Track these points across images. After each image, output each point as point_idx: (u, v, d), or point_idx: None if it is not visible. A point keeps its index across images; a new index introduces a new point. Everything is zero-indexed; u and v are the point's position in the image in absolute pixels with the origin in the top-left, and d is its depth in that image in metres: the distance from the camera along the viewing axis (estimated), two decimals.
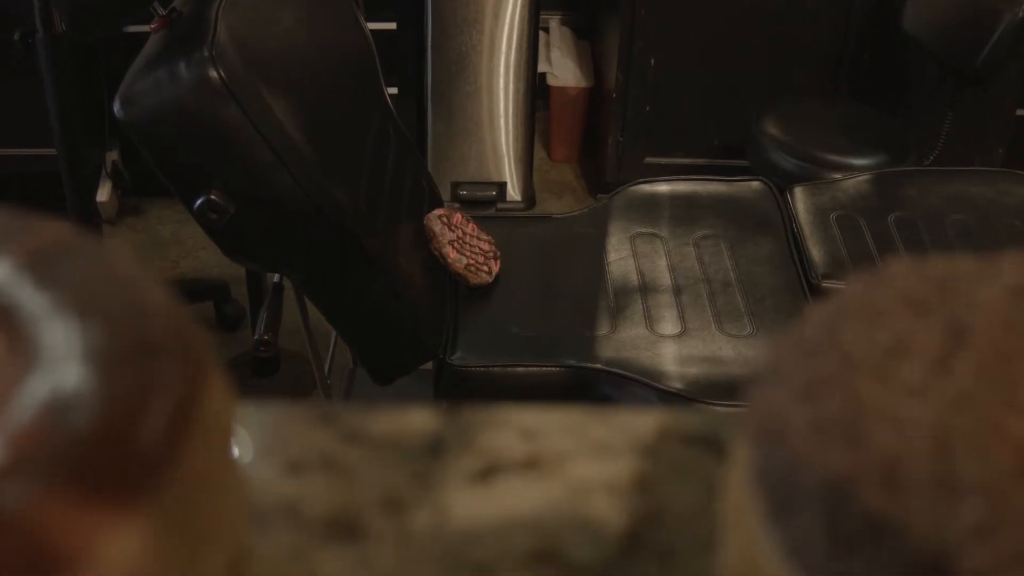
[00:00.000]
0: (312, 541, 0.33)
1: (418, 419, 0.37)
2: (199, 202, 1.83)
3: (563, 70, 4.08)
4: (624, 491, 0.35)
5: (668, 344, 2.22)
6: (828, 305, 0.32)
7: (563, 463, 0.36)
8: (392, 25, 3.70)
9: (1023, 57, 3.37)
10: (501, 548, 0.33)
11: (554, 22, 4.26)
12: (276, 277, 2.27)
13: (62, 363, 0.29)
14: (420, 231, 2.32)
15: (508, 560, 0.33)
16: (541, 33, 3.89)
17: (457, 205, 3.66)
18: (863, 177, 2.72)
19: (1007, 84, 3.55)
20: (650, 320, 2.28)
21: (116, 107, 1.80)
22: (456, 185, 3.84)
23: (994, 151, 3.72)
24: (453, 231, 2.35)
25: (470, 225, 2.40)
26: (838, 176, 2.80)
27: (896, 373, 0.30)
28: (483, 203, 3.85)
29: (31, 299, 0.31)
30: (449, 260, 2.30)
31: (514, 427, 0.37)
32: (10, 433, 0.27)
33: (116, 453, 0.27)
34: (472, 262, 2.33)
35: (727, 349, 2.20)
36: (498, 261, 2.39)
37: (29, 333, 0.30)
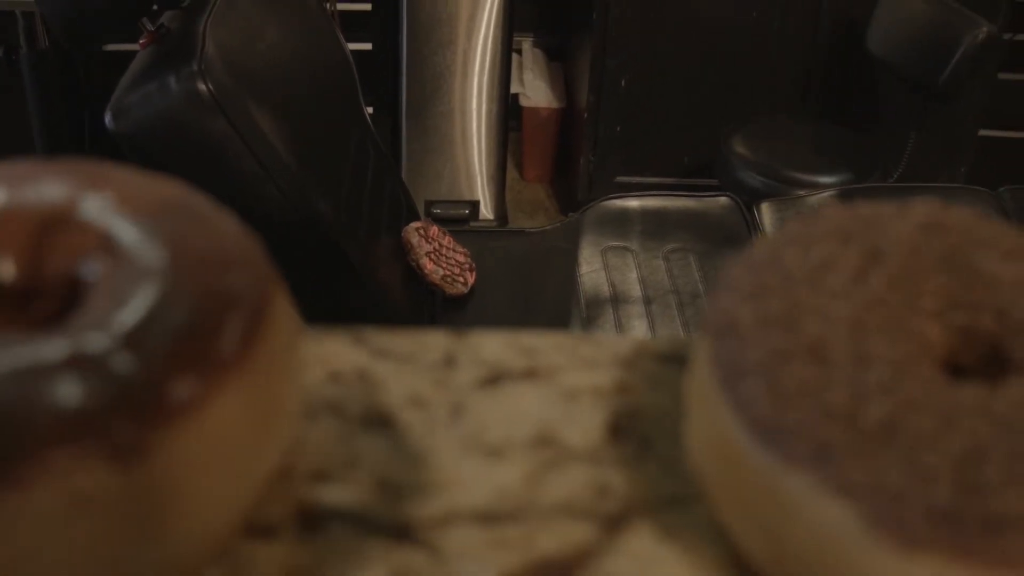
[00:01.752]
0: (352, 429, 0.41)
1: (435, 339, 0.45)
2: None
3: (535, 91, 4.14)
4: (608, 394, 0.43)
5: None
6: (773, 235, 0.40)
7: (557, 373, 0.44)
8: (368, 45, 3.76)
9: (986, 78, 3.46)
10: (507, 434, 0.41)
11: (527, 44, 4.32)
12: None
13: (159, 275, 0.36)
14: (398, 244, 2.39)
15: (513, 443, 0.41)
16: (514, 55, 3.96)
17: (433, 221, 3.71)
18: (828, 193, 2.80)
19: (971, 104, 3.64)
20: (621, 329, 2.35)
21: (107, 118, 1.86)
22: (430, 203, 3.89)
23: (957, 169, 3.81)
24: (430, 243, 2.41)
25: (446, 238, 2.47)
26: (803, 193, 2.88)
27: (823, 282, 0.37)
28: (456, 221, 3.89)
29: (127, 229, 0.38)
30: (426, 271, 2.37)
31: (515, 345, 0.45)
32: (124, 324, 0.35)
33: (207, 337, 0.35)
34: (448, 273, 2.40)
35: None
36: (474, 273, 2.45)
37: (128, 255, 0.37)
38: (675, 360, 0.45)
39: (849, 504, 0.32)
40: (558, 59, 4.31)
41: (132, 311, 0.35)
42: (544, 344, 0.45)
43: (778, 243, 0.39)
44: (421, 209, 3.81)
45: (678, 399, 0.42)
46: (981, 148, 3.83)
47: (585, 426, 0.41)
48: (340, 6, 3.42)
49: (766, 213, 2.71)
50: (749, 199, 2.80)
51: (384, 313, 2.21)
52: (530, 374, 0.43)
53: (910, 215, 0.40)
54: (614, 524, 0.38)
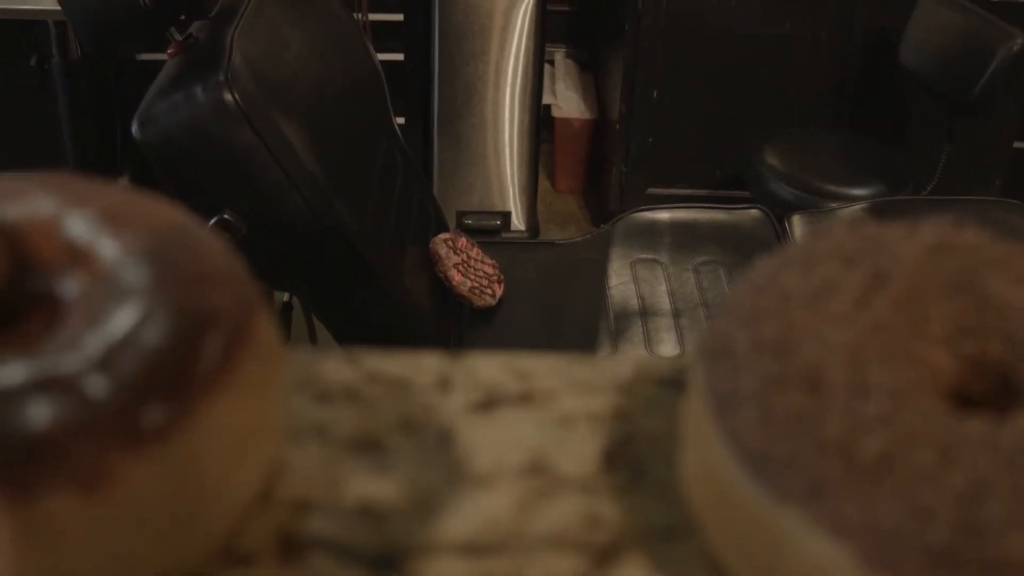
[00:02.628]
0: (339, 454, 0.40)
1: (430, 361, 0.44)
2: (212, 221, 1.89)
3: (567, 102, 4.14)
4: (604, 420, 0.41)
5: None
6: (775, 256, 0.39)
7: (552, 398, 0.42)
8: (399, 56, 3.76)
9: (1020, 90, 3.43)
10: (498, 461, 0.40)
11: (559, 55, 4.32)
12: (285, 296, 2.32)
13: (136, 292, 0.35)
14: (426, 255, 2.38)
15: (504, 471, 0.39)
16: (546, 66, 3.95)
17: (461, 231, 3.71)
18: (861, 206, 2.77)
19: (1005, 116, 3.61)
20: (649, 343, 2.33)
21: (134, 128, 1.86)
22: (461, 214, 3.89)
23: (992, 182, 3.78)
24: (458, 254, 2.40)
25: (475, 249, 2.46)
26: (836, 205, 2.85)
27: (824, 306, 0.36)
28: (488, 232, 3.89)
29: (108, 246, 0.37)
30: (454, 283, 2.36)
31: (510, 368, 0.44)
32: (101, 345, 0.33)
33: (184, 360, 0.34)
34: (476, 285, 2.39)
35: None
36: (502, 284, 2.45)
37: (108, 272, 0.36)
38: (675, 384, 0.43)
39: (843, 543, 0.30)
40: (590, 70, 4.31)
41: (108, 332, 0.34)
42: (541, 367, 0.43)
43: (779, 264, 0.38)
44: (452, 220, 3.81)
45: (674, 423, 0.41)
46: (1015, 160, 3.80)
47: (579, 453, 0.40)
48: (372, 16, 3.43)
49: (797, 226, 2.69)
50: (781, 211, 2.78)
51: (410, 324, 2.21)
52: (525, 398, 0.42)
53: (919, 236, 0.39)
54: (605, 556, 0.36)
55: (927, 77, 3.27)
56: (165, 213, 0.39)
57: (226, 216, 1.89)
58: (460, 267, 2.38)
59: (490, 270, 2.45)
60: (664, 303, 2.45)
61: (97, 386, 0.32)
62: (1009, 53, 2.97)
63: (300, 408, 0.41)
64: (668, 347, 2.32)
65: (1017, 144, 3.78)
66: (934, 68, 3.24)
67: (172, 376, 0.33)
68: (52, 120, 2.97)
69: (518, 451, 0.40)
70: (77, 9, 1.86)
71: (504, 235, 3.92)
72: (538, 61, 3.74)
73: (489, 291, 2.40)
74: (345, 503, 0.38)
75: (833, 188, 3.24)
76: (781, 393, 0.33)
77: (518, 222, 3.94)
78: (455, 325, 2.37)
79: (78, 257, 0.37)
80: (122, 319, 0.34)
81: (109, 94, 3.52)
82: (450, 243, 2.40)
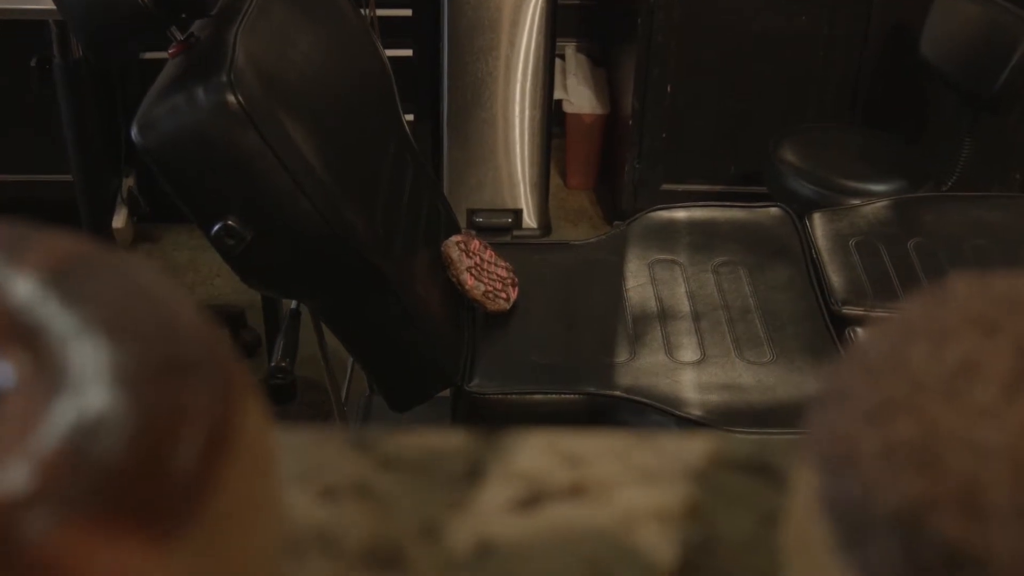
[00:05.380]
0: (349, 572, 0.32)
1: (454, 443, 0.36)
2: (216, 228, 1.82)
3: (579, 97, 4.08)
4: (674, 519, 0.34)
5: (687, 371, 2.20)
6: (890, 325, 0.31)
7: (610, 490, 0.35)
8: (408, 52, 3.70)
9: None
10: None
11: (570, 49, 4.26)
12: (293, 304, 2.26)
13: (90, 385, 0.27)
14: (437, 257, 2.31)
15: None
16: (557, 60, 3.90)
17: (473, 232, 3.65)
18: (882, 203, 2.70)
19: None
20: (669, 347, 2.26)
21: (133, 132, 1.79)
22: (472, 212, 3.84)
23: (1012, 177, 3.71)
24: (471, 258, 2.33)
25: (488, 252, 2.39)
26: (857, 202, 2.78)
27: (967, 395, 0.28)
28: (499, 230, 3.84)
29: (57, 317, 0.29)
30: (467, 287, 2.29)
31: (556, 452, 0.36)
32: (36, 459, 0.26)
33: (148, 481, 0.26)
34: (490, 289, 2.32)
35: (747, 376, 2.18)
36: (516, 288, 2.38)
37: (56, 353, 0.28)
38: (757, 471, 0.35)
39: None
40: (602, 65, 4.25)
41: (49, 441, 0.26)
42: (592, 450, 0.35)
43: (900, 337, 0.30)
44: (463, 218, 3.75)
45: (764, 525, 0.33)
46: None
47: (647, 564, 0.32)
48: (380, 12, 3.36)
49: (818, 224, 2.61)
50: (799, 208, 2.71)
51: (422, 331, 2.14)
52: (576, 491, 0.34)
53: None
54: None
55: (947, 72, 3.21)
56: (131, 273, 0.31)
57: (230, 222, 1.82)
58: (473, 270, 2.31)
59: (504, 273, 2.38)
60: (684, 305, 2.38)
61: (32, 522, 0.24)
62: None
63: (300, 508, 0.33)
64: (688, 352, 2.25)
65: None
66: (954, 62, 3.18)
67: (132, 506, 0.25)
68: (54, 122, 2.90)
69: (571, 564, 0.32)
70: (74, 9, 1.79)
71: (515, 233, 3.86)
72: (549, 56, 3.68)
73: (503, 295, 2.33)
74: None
75: (852, 184, 3.19)
76: (932, 521, 0.25)
77: (529, 219, 3.89)
78: (468, 330, 2.30)
79: (17, 332, 0.29)
80: (65, 422, 0.26)
81: (112, 95, 3.45)
82: (463, 246, 2.33)
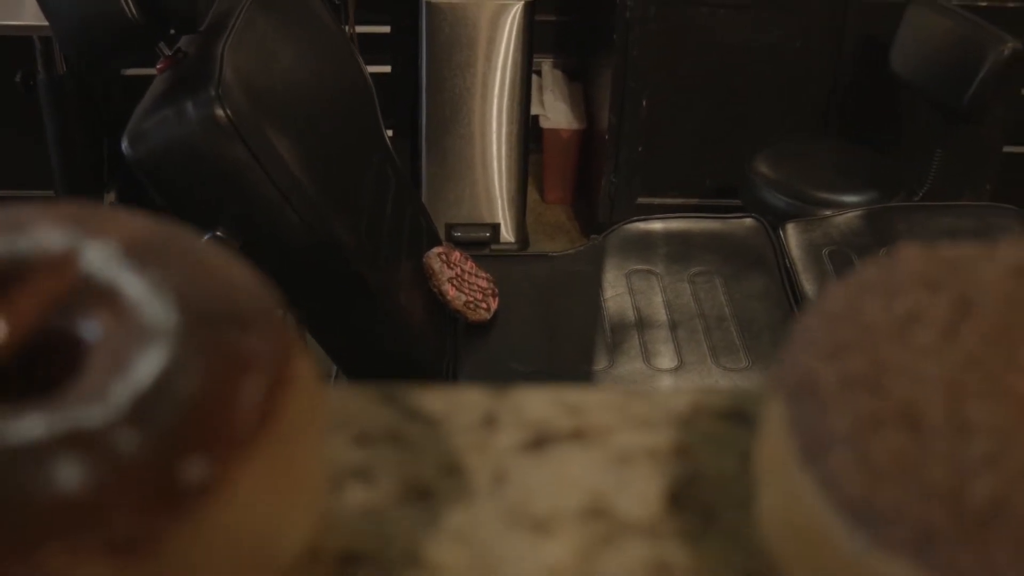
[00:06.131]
0: (384, 501, 0.37)
1: (471, 397, 0.41)
2: (205, 238, 1.86)
3: (556, 112, 4.12)
4: (664, 457, 0.39)
5: (665, 378, 2.25)
6: (848, 283, 0.36)
7: (607, 434, 0.40)
8: (387, 68, 3.74)
9: (1011, 95, 3.42)
10: (555, 505, 0.37)
11: (546, 65, 4.30)
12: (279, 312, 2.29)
13: (165, 335, 0.32)
14: (419, 269, 2.36)
15: (563, 516, 0.37)
16: (534, 76, 3.93)
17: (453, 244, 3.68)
18: (854, 213, 2.76)
19: (995, 121, 3.60)
20: (647, 355, 2.31)
21: (124, 145, 1.83)
22: (450, 227, 3.87)
23: (982, 187, 3.77)
24: (452, 269, 2.38)
25: (468, 263, 2.44)
26: (829, 213, 2.84)
27: (911, 337, 0.33)
28: (477, 244, 3.87)
29: (131, 281, 0.34)
30: (448, 297, 2.33)
31: (560, 404, 0.41)
32: (129, 395, 0.31)
33: (223, 410, 0.31)
34: (471, 299, 2.36)
35: (723, 382, 2.23)
36: (496, 298, 2.42)
37: (133, 311, 0.33)
38: (737, 417, 0.40)
39: None
40: (578, 80, 4.29)
41: (136, 379, 0.31)
42: (592, 401, 0.41)
43: (856, 293, 0.35)
44: (441, 232, 3.78)
45: (743, 461, 0.38)
46: (1006, 165, 3.79)
47: (641, 495, 0.37)
48: (359, 28, 3.40)
49: (792, 234, 2.67)
50: (774, 220, 2.77)
51: (404, 339, 2.18)
52: (578, 435, 0.39)
53: (999, 258, 0.36)
54: None
55: (918, 83, 3.26)
56: (192, 246, 0.36)
57: (218, 233, 1.86)
58: (454, 281, 2.35)
59: (484, 284, 2.42)
60: (661, 314, 2.42)
61: (128, 441, 0.29)
62: (999, 58, 2.96)
63: (338, 451, 0.38)
64: (665, 359, 2.30)
65: (1007, 149, 3.77)
66: (925, 74, 3.24)
67: (210, 427, 0.30)
68: (38, 137, 2.94)
69: (575, 493, 0.37)
70: (64, 24, 1.83)
71: (493, 247, 3.90)
72: (526, 72, 3.72)
73: (484, 305, 2.37)
74: (395, 555, 0.35)
75: (825, 195, 3.23)
76: (878, 433, 0.30)
77: (507, 234, 3.92)
78: (450, 340, 2.34)
79: (98, 295, 0.34)
80: (151, 364, 0.31)
81: (95, 111, 3.48)
82: (444, 257, 2.38)
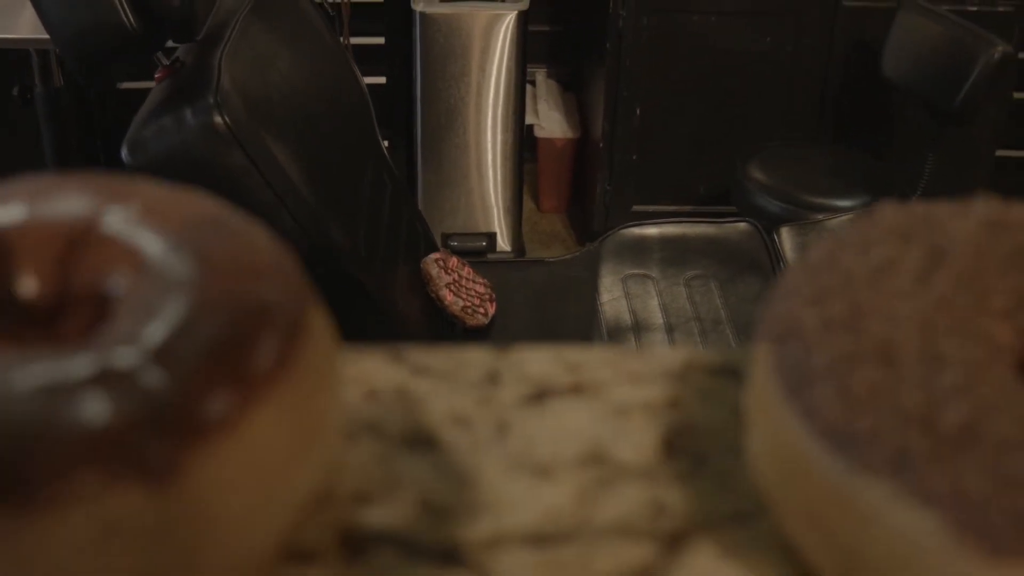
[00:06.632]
0: (393, 449, 0.39)
1: (475, 355, 0.43)
2: None
3: (550, 122, 4.13)
4: (659, 409, 0.41)
5: None
6: (829, 238, 0.38)
7: (604, 388, 0.42)
8: (382, 79, 3.76)
9: (1002, 98, 3.44)
10: (556, 452, 0.39)
11: (540, 75, 4.32)
12: None
13: (185, 288, 0.35)
14: (417, 275, 2.37)
15: (563, 461, 0.39)
16: (528, 86, 3.95)
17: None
18: (847, 217, 2.78)
19: (987, 124, 3.62)
20: None
21: (123, 153, 1.85)
22: (446, 236, 3.88)
23: (975, 190, 3.78)
24: (449, 274, 2.40)
25: (465, 269, 2.45)
26: (823, 216, 2.86)
27: (886, 283, 0.35)
28: (473, 253, 3.88)
29: (153, 241, 0.37)
30: (446, 302, 2.35)
31: (559, 360, 0.43)
32: (161, 334, 0.33)
33: (244, 349, 0.33)
34: (468, 304, 2.38)
35: None
36: (494, 303, 2.44)
37: (155, 267, 0.36)
38: (727, 373, 0.43)
39: (933, 513, 0.30)
40: (572, 89, 4.31)
41: (161, 324, 0.33)
42: (590, 359, 0.43)
43: (836, 246, 0.37)
44: (438, 242, 3.79)
45: (732, 413, 0.41)
46: (998, 168, 3.82)
47: (637, 442, 0.39)
48: (354, 40, 3.43)
49: (786, 238, 2.69)
50: (768, 224, 2.78)
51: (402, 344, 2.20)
52: (576, 389, 0.41)
53: (971, 213, 0.38)
54: (674, 543, 0.36)
55: (910, 87, 3.29)
56: (207, 207, 0.39)
57: None
58: (452, 287, 2.37)
59: (482, 289, 2.44)
60: (657, 318, 2.44)
61: (157, 378, 0.32)
62: (990, 60, 2.99)
63: (350, 405, 0.41)
64: None
65: (1000, 152, 3.79)
66: (916, 78, 3.26)
67: (233, 367, 0.32)
68: (35, 150, 2.95)
69: (575, 442, 0.39)
70: (64, 34, 1.85)
71: (490, 256, 3.91)
72: (520, 82, 3.74)
73: (481, 310, 2.39)
74: (405, 497, 0.37)
75: (819, 200, 3.25)
76: (856, 368, 0.33)
77: (503, 243, 3.93)
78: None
79: (121, 253, 0.36)
80: (175, 311, 0.34)
81: (92, 123, 3.50)
82: (441, 263, 2.39)
